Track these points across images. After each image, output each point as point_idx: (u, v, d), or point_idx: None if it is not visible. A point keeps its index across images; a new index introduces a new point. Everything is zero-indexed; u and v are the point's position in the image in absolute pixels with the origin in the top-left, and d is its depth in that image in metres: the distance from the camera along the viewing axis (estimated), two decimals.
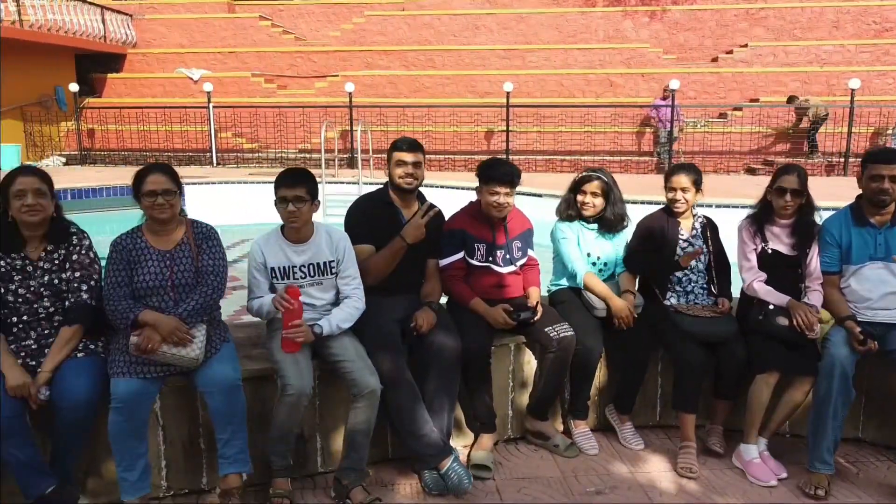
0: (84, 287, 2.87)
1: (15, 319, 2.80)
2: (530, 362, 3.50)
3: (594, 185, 3.51)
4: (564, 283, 3.66)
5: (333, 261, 3.10)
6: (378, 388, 2.91)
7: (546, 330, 3.29)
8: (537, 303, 3.37)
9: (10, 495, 2.86)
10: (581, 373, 3.39)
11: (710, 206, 7.87)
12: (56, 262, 2.87)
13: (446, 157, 14.46)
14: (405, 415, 3.02)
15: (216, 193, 12.01)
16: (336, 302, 3.16)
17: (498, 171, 3.31)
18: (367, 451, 3.01)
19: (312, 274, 3.09)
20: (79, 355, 2.79)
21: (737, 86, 15.24)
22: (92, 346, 2.84)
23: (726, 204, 8.60)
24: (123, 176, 12.17)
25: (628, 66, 16.01)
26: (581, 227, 3.59)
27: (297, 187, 2.96)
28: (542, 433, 3.44)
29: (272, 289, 3.07)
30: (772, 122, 14.13)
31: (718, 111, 14.75)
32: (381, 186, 3.45)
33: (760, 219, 3.40)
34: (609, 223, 3.56)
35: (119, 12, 17.35)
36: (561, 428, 3.57)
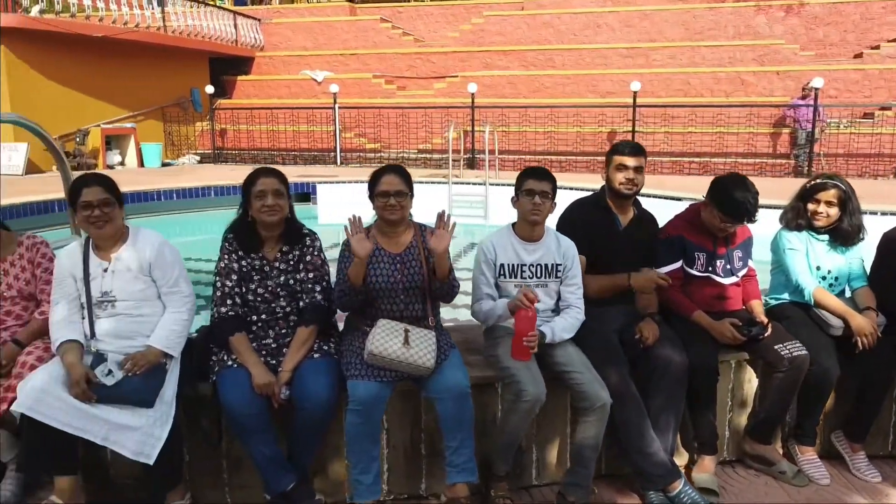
0: (317, 288, 2.90)
1: (255, 318, 2.86)
2: (751, 381, 3.27)
3: (830, 194, 3.24)
4: (786, 297, 3.41)
5: (561, 265, 3.02)
6: (609, 401, 2.79)
7: (776, 348, 3.07)
8: (769, 320, 3.15)
9: (241, 489, 2.94)
10: (813, 395, 3.14)
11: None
12: (291, 262, 2.92)
13: (568, 158, 14.22)
14: (633, 431, 2.88)
15: (344, 192, 12.19)
16: (555, 309, 3.07)
17: (738, 209, 3.06)
18: (594, 467, 2.89)
19: (540, 275, 3.01)
20: (315, 356, 2.82)
21: (885, 83, 14.14)
22: (325, 347, 2.87)
23: (873, 210, 7.93)
24: None
25: (761, 63, 15.18)
26: (810, 237, 3.33)
27: (544, 182, 2.92)
28: (765, 458, 3.21)
29: (496, 288, 3.02)
30: None
31: (863, 111, 13.74)
32: (598, 190, 3.32)
33: None
34: (845, 235, 3.28)
35: (249, 17, 18.11)
36: (780, 452, 3.33)
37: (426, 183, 12.08)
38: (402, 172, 2.93)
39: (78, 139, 13.28)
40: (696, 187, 10.29)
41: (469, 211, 11.56)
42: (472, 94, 14.06)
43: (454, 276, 2.88)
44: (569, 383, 2.85)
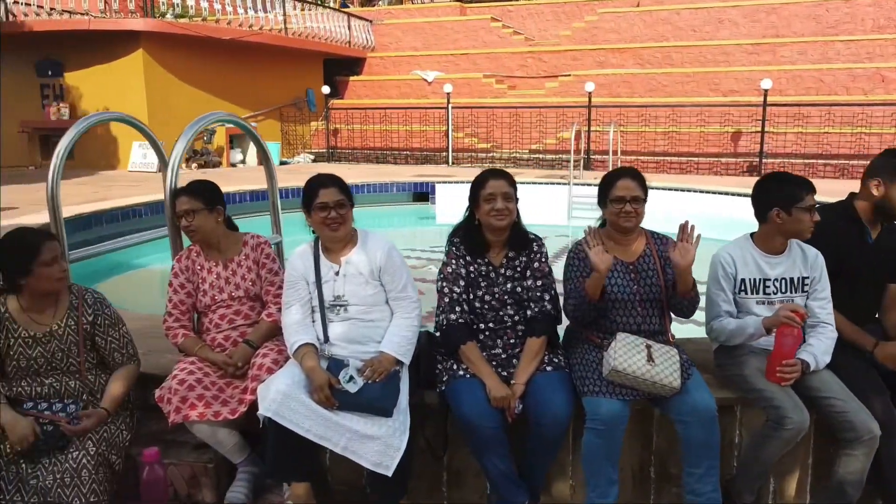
0: (546, 297, 2.75)
1: (482, 326, 2.75)
2: None
3: None
4: None
5: (808, 277, 2.74)
6: (878, 434, 2.50)
7: None
8: None
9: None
10: None
11: None
12: (518, 269, 2.78)
13: (689, 159, 13.64)
14: None
15: (461, 192, 12.04)
16: None
17: None
18: None
19: (784, 290, 2.74)
20: (547, 369, 2.67)
21: None
22: (556, 360, 2.71)
23: None
24: (371, 173, 12.78)
25: None
26: None
27: (814, 195, 2.64)
28: None
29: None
30: None
31: None
32: (844, 199, 3.02)
33: None
34: None
35: (361, 18, 18.39)
36: None
37: (544, 184, 11.86)
38: (639, 176, 2.73)
39: (205, 138, 13.82)
40: (834, 191, 9.61)
41: (589, 213, 11.23)
42: (590, 93, 13.72)
43: (696, 291, 2.67)
44: (827, 411, 2.57)
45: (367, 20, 18.68)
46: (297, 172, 13.23)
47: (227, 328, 2.85)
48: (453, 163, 14.78)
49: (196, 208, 2.83)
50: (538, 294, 2.75)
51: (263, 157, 3.95)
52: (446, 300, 2.73)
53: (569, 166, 11.93)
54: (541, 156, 14.55)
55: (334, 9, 17.61)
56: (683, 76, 15.08)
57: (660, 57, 15.87)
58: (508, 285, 2.76)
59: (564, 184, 11.47)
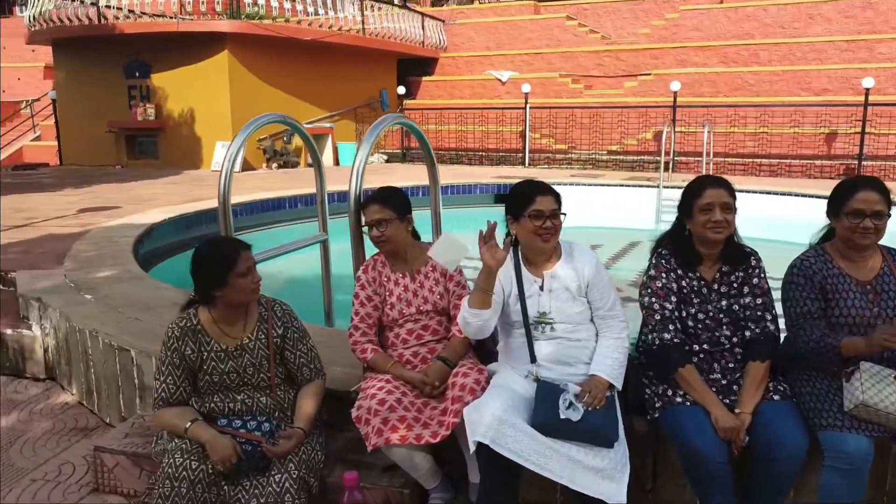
0: (768, 316, 2.50)
1: (696, 348, 2.52)
2: None
3: None
4: None
5: None
6: None
7: None
8: None
9: None
10: None
11: None
12: (734, 285, 2.54)
13: (780, 161, 13.06)
14: None
15: None
16: None
17: None
18: None
19: None
20: (774, 397, 2.42)
21: None
22: (781, 388, 2.46)
23: None
24: (449, 174, 12.61)
25: None
26: None
27: None
28: None
29: None
30: None
31: None
32: None
33: None
34: None
35: (434, 18, 18.28)
36: None
37: (631, 186, 11.51)
38: (881, 187, 2.46)
39: (286, 138, 13.89)
40: None
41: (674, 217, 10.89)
42: (675, 92, 13.28)
43: None
44: None
45: (440, 20, 18.57)
46: (376, 173, 13.17)
47: (415, 344, 2.69)
48: (530, 164, 14.53)
49: (388, 218, 2.67)
50: (759, 313, 2.50)
51: (428, 161, 3.78)
52: (657, 318, 2.51)
53: (658, 168, 11.53)
54: (621, 157, 14.17)
55: (409, 8, 17.54)
56: (772, 75, 14.49)
57: (746, 55, 15.29)
58: (724, 303, 2.52)
59: (650, 186, 11.10)
